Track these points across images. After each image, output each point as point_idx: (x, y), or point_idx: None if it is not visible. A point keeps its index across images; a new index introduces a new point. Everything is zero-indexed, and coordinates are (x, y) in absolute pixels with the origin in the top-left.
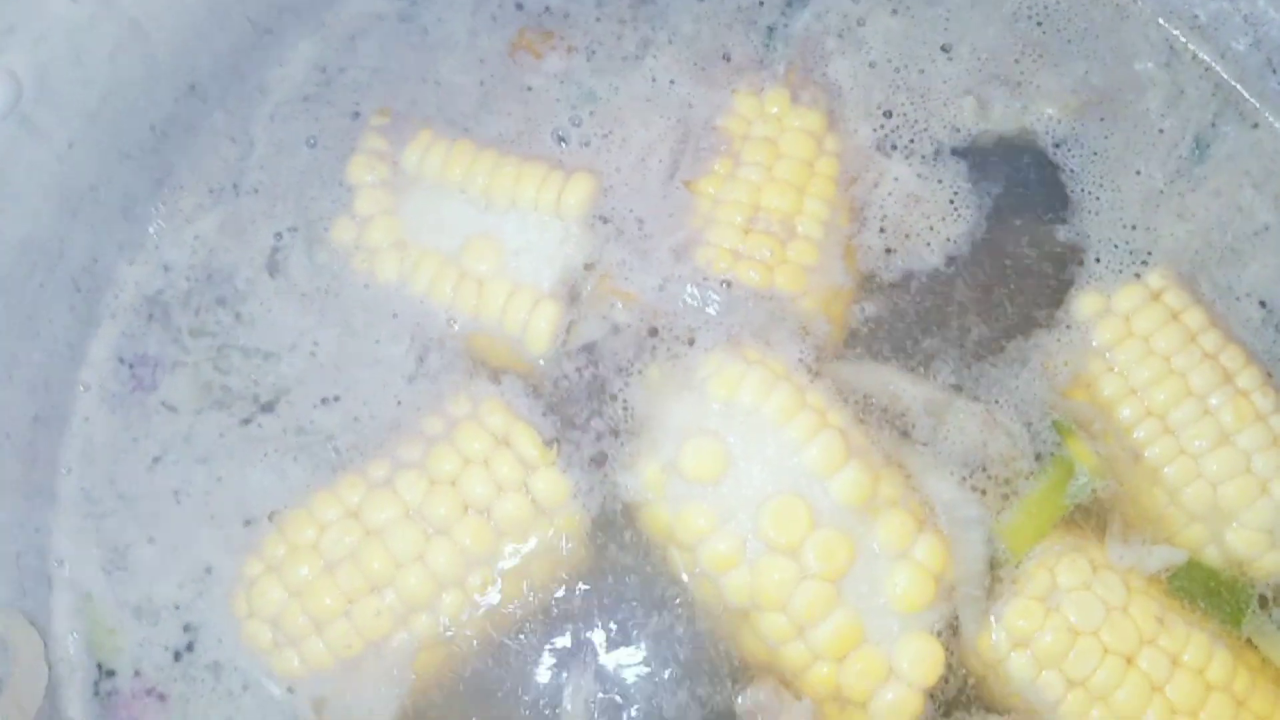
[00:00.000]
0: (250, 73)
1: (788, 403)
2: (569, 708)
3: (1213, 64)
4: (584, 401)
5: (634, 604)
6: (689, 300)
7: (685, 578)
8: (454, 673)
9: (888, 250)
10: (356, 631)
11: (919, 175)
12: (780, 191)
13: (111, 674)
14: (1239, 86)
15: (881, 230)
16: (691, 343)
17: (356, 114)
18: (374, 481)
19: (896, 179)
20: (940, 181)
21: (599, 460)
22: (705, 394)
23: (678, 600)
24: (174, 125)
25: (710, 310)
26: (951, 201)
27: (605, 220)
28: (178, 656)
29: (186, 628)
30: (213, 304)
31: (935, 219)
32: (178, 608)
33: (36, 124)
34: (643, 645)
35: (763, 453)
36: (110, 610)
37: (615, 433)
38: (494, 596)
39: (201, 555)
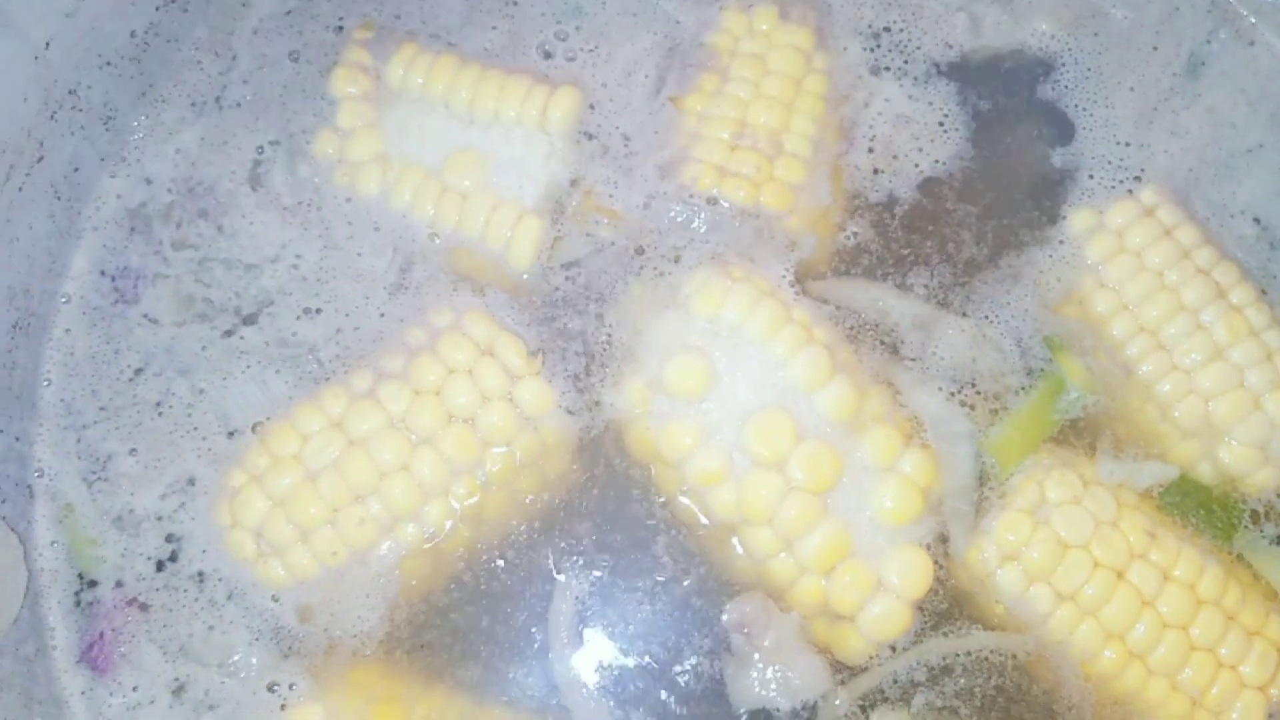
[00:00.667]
0: None
1: (772, 319)
2: (556, 618)
3: None
4: (568, 318)
5: (620, 518)
6: (674, 218)
7: (671, 494)
8: (440, 582)
9: (875, 170)
10: (341, 540)
11: (909, 96)
12: (768, 108)
13: (93, 584)
14: (1235, 2)
15: (870, 150)
16: (678, 260)
17: (340, 28)
18: (357, 392)
19: (887, 100)
20: (930, 103)
21: (582, 377)
22: (689, 311)
23: (663, 516)
24: (156, 35)
25: (696, 227)
26: (941, 123)
27: (590, 136)
28: (160, 567)
29: (169, 538)
30: (194, 217)
31: (925, 140)
32: (160, 518)
33: (11, 18)
34: (629, 560)
35: (747, 369)
36: (91, 521)
37: (599, 350)
38: (480, 506)
39: (184, 467)
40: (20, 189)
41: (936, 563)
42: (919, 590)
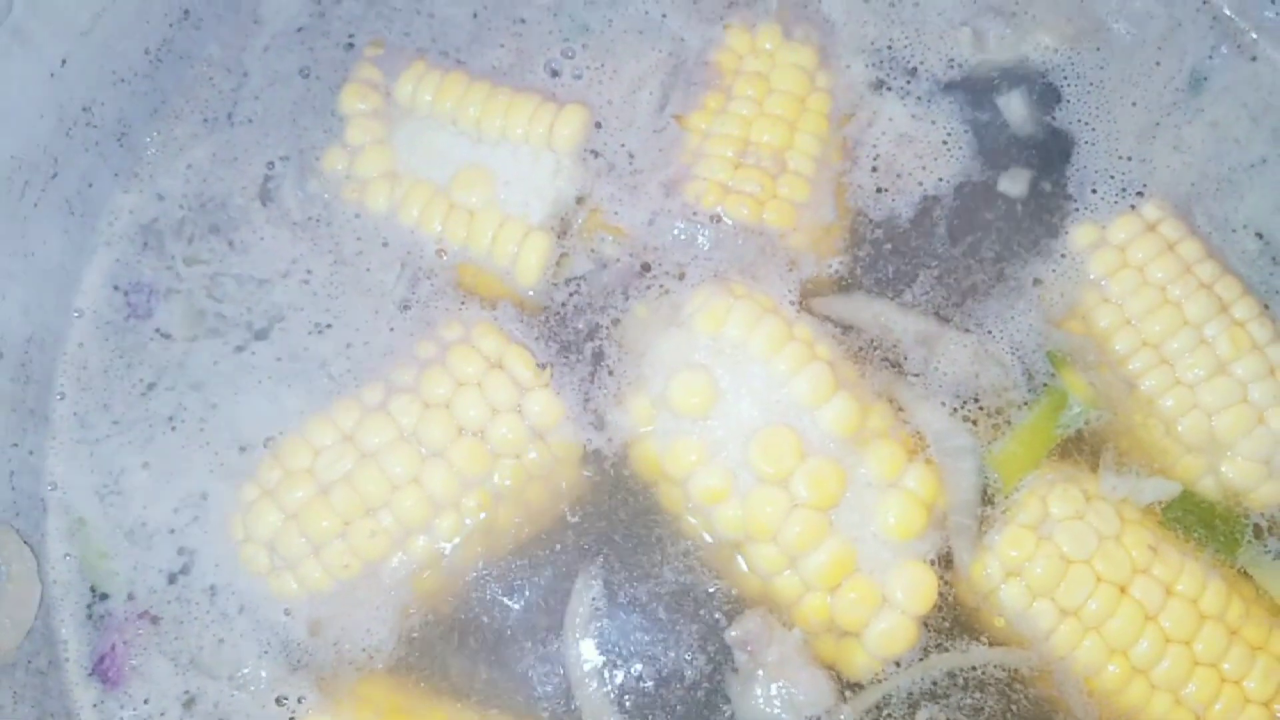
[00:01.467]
0: (244, 2)
1: (775, 335)
2: (565, 633)
3: None
4: (573, 334)
5: (625, 535)
6: (679, 235)
7: (675, 512)
8: (450, 594)
9: (879, 190)
10: (353, 552)
11: (913, 115)
12: (771, 126)
13: (105, 597)
14: (1237, 19)
15: (874, 170)
16: (682, 277)
17: (350, 45)
18: (368, 406)
19: (890, 119)
20: (933, 122)
21: (588, 394)
22: (693, 329)
23: (669, 533)
24: (168, 52)
25: (700, 244)
26: (944, 142)
27: (596, 154)
28: (172, 579)
29: (181, 551)
30: (206, 232)
31: (928, 158)
32: (172, 532)
33: (29, 36)
34: (634, 576)
35: (751, 385)
36: (104, 534)
37: (604, 368)
38: (490, 519)
39: (197, 481)
40: (35, 205)
41: (941, 578)
42: (924, 606)
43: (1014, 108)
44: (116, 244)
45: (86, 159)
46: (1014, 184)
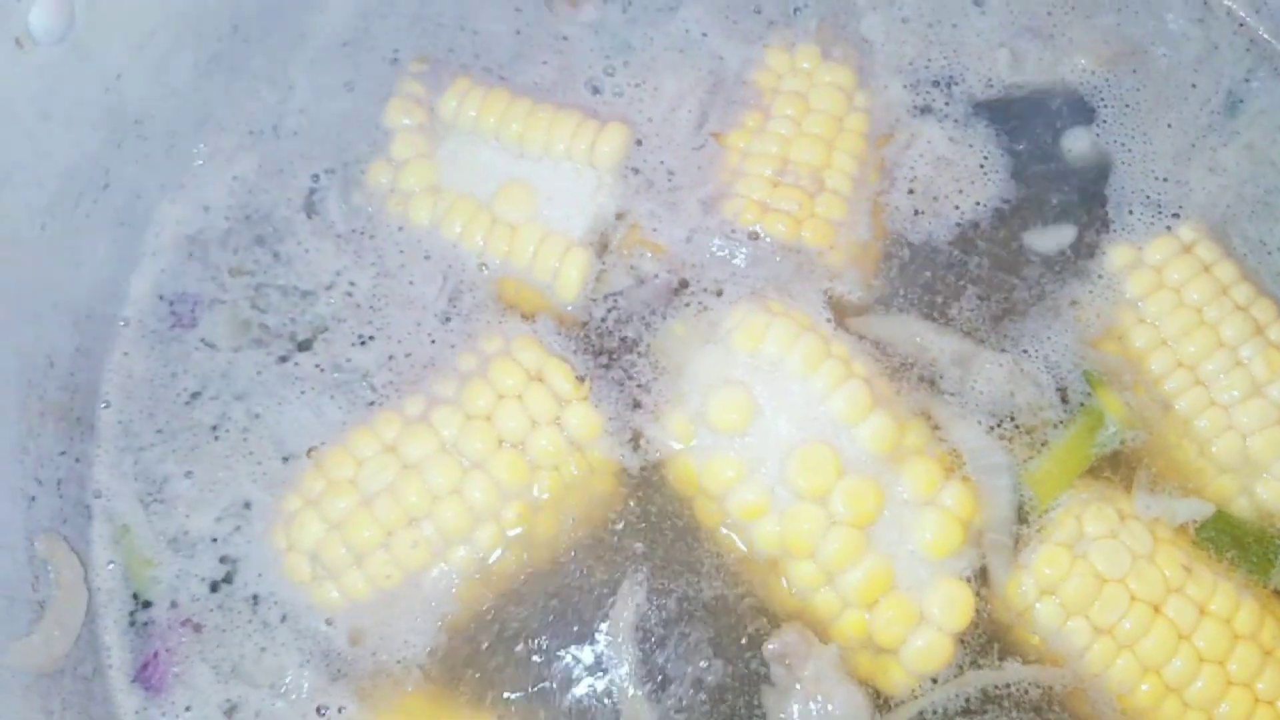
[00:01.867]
0: (291, 17)
1: (813, 353)
2: (616, 638)
3: (1247, 19)
4: (612, 349)
5: (663, 550)
6: (716, 252)
7: (713, 528)
8: (489, 604)
9: (916, 212)
10: (395, 562)
11: (950, 138)
12: (809, 145)
13: (148, 604)
14: (1275, 42)
15: (911, 192)
16: (720, 294)
17: (395, 60)
18: (410, 417)
19: (928, 142)
20: (971, 145)
21: (625, 410)
22: (730, 346)
23: (707, 549)
24: (217, 65)
25: (738, 262)
26: (981, 166)
27: (636, 171)
28: (215, 588)
29: (224, 559)
30: (251, 243)
31: (965, 182)
32: (215, 540)
33: (89, 50)
34: (671, 591)
35: (789, 402)
36: (147, 542)
37: (642, 384)
38: (529, 530)
39: (240, 490)
40: (88, 216)
41: (977, 595)
42: (961, 623)
43: (1050, 129)
44: (162, 254)
45: (136, 170)
46: (1050, 204)
